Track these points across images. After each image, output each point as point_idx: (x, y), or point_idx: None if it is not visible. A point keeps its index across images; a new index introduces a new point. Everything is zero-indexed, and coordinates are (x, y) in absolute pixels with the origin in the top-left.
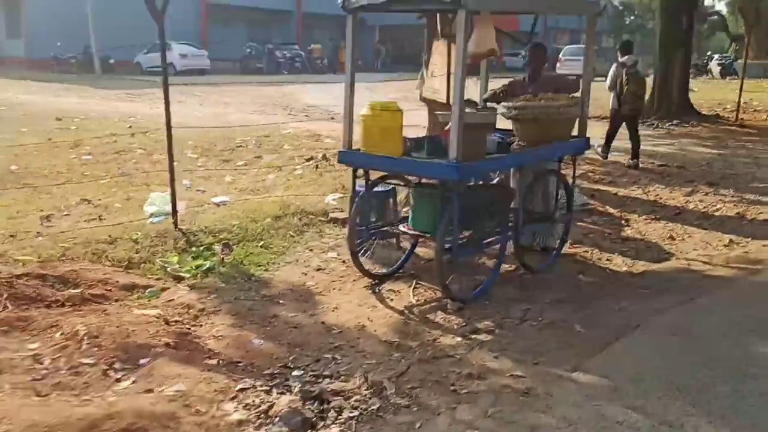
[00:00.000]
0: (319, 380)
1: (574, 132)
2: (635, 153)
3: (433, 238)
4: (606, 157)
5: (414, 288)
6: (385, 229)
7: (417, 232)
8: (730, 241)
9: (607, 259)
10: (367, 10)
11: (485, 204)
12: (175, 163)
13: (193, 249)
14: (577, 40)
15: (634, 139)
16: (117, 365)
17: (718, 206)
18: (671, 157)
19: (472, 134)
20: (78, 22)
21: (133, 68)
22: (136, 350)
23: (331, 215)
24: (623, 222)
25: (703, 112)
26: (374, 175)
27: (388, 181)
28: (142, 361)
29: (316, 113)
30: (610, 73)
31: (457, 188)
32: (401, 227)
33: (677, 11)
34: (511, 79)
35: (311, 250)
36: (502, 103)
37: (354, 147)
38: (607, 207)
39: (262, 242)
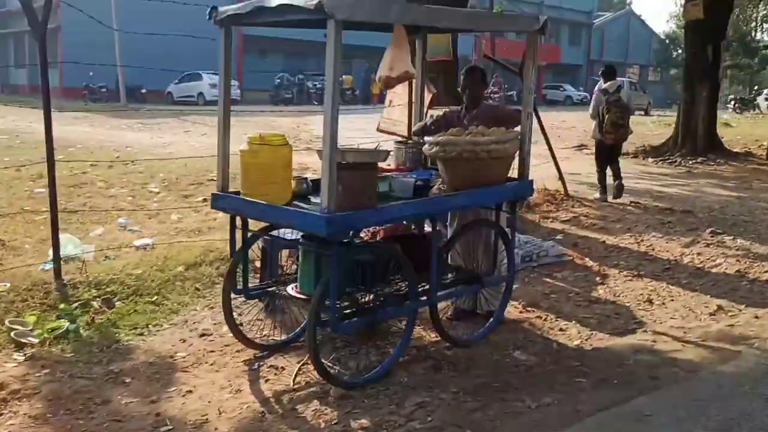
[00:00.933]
0: None
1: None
2: (617, 175)
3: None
4: (606, 200)
5: (305, 364)
6: (272, 290)
7: (304, 296)
8: (719, 308)
9: (561, 329)
10: (237, 22)
11: (386, 262)
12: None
13: (62, 306)
14: (622, 74)
15: (614, 165)
16: None
17: (718, 261)
18: (681, 200)
19: (356, 177)
20: (111, 52)
21: (164, 98)
22: None
23: (257, 263)
24: (599, 279)
25: (735, 150)
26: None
27: (271, 233)
28: None
29: (320, 144)
30: (593, 100)
31: (336, 244)
32: (289, 289)
33: (703, 43)
34: (446, 109)
35: (212, 308)
36: (425, 138)
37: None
38: (587, 259)
39: (156, 297)
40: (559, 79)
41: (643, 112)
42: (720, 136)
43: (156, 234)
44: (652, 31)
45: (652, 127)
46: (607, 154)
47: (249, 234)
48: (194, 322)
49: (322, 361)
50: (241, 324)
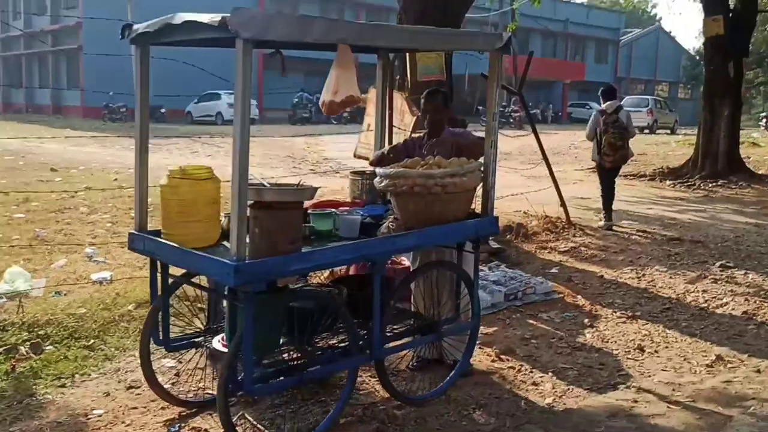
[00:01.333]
0: None
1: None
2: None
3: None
4: (611, 227)
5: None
6: (199, 340)
7: None
8: (718, 357)
9: (534, 383)
10: (151, 41)
11: (321, 311)
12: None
13: None
14: (651, 91)
15: (608, 192)
16: None
17: (725, 300)
18: (693, 228)
19: (275, 218)
20: (130, 72)
21: (183, 117)
22: None
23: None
24: (588, 321)
25: (760, 172)
26: None
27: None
28: None
29: (325, 167)
30: (590, 121)
31: (249, 295)
32: (215, 341)
33: (724, 59)
34: (407, 137)
35: (152, 353)
36: (377, 169)
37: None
38: (579, 297)
39: (94, 340)
40: (584, 97)
41: (669, 131)
42: (745, 157)
43: (121, 266)
44: (681, 47)
45: (675, 146)
46: (608, 178)
47: (170, 279)
48: (126, 371)
49: (253, 424)
50: (177, 374)
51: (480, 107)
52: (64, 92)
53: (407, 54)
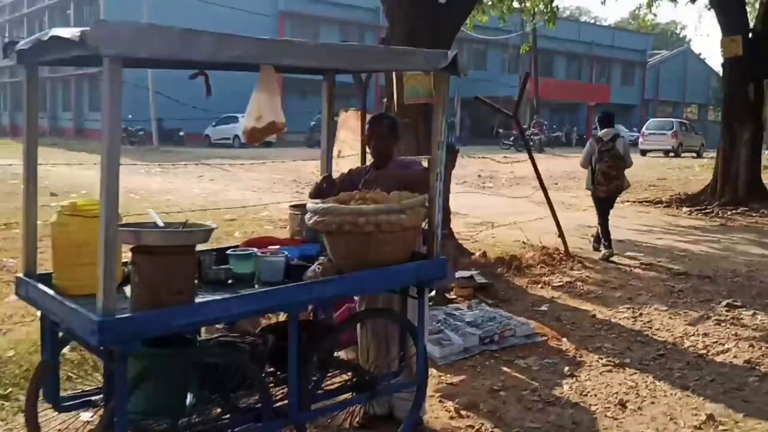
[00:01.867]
0: None
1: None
2: (598, 238)
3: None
4: (611, 256)
5: None
6: (96, 399)
7: None
8: (709, 417)
9: None
10: (35, 60)
11: (226, 368)
12: None
13: None
14: (680, 113)
15: (602, 223)
16: None
17: (727, 345)
18: (704, 262)
19: (159, 265)
20: (148, 95)
21: (202, 140)
22: None
23: None
24: (569, 369)
25: None
26: None
27: None
28: None
29: None
30: (585, 148)
31: (121, 356)
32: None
33: (743, 81)
34: (351, 168)
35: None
36: (308, 205)
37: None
38: (565, 340)
39: (12, 389)
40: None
41: (695, 154)
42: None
43: None
44: (711, 68)
45: (698, 170)
46: (603, 207)
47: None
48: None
49: None
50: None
51: (500, 130)
52: (87, 116)
53: (394, 75)
